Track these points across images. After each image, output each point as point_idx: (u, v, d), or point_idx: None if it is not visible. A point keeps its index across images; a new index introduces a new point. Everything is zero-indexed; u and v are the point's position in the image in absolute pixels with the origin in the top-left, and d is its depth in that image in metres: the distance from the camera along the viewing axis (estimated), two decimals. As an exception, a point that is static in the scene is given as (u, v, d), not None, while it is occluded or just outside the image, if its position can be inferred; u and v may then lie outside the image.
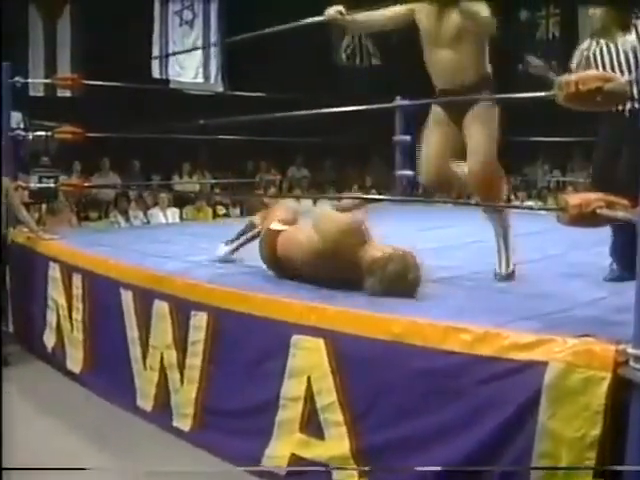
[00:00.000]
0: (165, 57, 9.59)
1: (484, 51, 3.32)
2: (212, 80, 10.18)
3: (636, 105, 3.24)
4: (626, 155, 3.26)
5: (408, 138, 6.55)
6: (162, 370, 3.40)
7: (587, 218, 2.24)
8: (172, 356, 3.33)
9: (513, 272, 3.41)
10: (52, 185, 6.62)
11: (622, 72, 3.25)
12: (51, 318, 4.41)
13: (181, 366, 3.28)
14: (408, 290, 2.98)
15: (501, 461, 2.13)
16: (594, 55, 3.38)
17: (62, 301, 4.25)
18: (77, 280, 4.11)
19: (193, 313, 3.23)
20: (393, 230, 3.89)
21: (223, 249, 3.90)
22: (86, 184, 6.13)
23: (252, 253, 3.74)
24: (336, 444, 2.59)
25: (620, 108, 3.24)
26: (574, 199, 2.28)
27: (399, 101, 6.15)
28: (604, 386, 1.95)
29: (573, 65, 3.47)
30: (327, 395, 2.62)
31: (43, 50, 9.21)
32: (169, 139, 7.18)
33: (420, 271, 3.03)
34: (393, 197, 7.17)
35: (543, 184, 10.67)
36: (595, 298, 2.94)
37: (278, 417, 2.81)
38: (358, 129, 8.02)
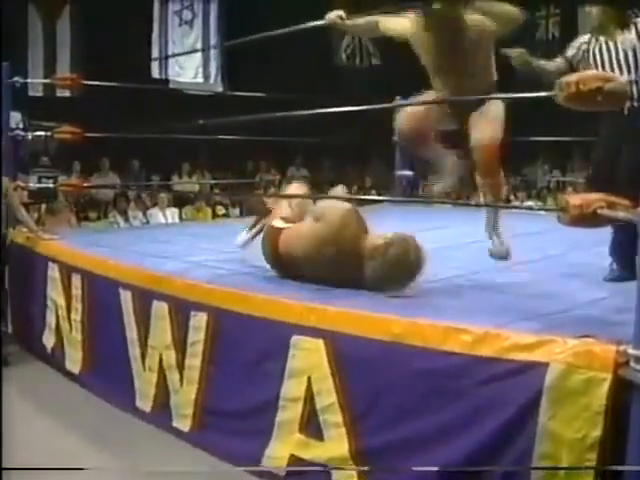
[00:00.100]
0: (165, 59, 9.59)
1: (492, 58, 3.28)
2: (212, 80, 10.18)
3: (635, 104, 3.24)
4: (625, 154, 3.26)
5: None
6: (161, 371, 3.39)
7: (588, 218, 2.24)
8: (171, 357, 3.33)
9: (508, 249, 3.41)
10: (51, 185, 6.59)
11: (621, 71, 3.25)
12: (50, 318, 4.40)
13: (180, 367, 3.28)
14: (410, 273, 3.00)
15: (501, 462, 2.12)
16: (593, 53, 3.37)
17: (61, 301, 4.25)
18: (76, 280, 4.11)
19: (193, 313, 3.22)
20: (392, 230, 3.87)
21: (244, 236, 3.94)
22: (85, 184, 6.12)
23: (252, 253, 3.73)
24: (335, 445, 2.59)
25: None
26: (575, 199, 2.28)
27: (399, 101, 6.14)
28: (605, 387, 1.95)
29: (568, 55, 3.47)
30: (327, 396, 2.62)
31: (42, 50, 9.21)
32: (169, 139, 7.18)
33: (422, 254, 3.05)
34: (393, 197, 7.17)
35: (543, 184, 10.67)
36: (595, 298, 2.94)
37: (278, 418, 2.80)
38: (358, 129, 8.02)
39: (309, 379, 2.68)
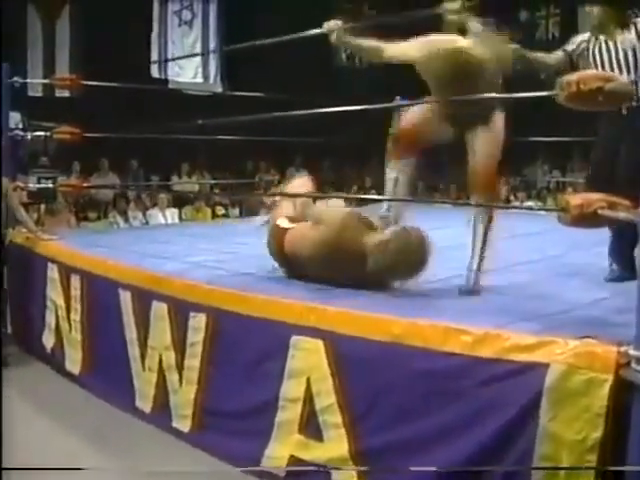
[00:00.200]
0: (165, 61, 9.59)
1: (499, 83, 3.19)
2: (211, 80, 10.19)
3: (634, 104, 3.24)
4: (625, 154, 3.26)
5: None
6: (161, 371, 3.39)
7: (588, 219, 2.23)
8: (171, 357, 3.32)
9: (478, 287, 3.10)
10: (51, 185, 6.58)
11: (621, 71, 3.25)
12: (50, 319, 4.40)
13: (180, 367, 3.28)
14: (414, 264, 3.01)
15: (502, 463, 2.12)
16: (593, 53, 3.37)
17: (61, 302, 4.24)
18: (76, 281, 4.10)
19: (192, 314, 3.22)
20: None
21: (262, 219, 4.03)
22: (85, 184, 6.10)
23: (252, 253, 3.73)
24: (335, 446, 2.58)
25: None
26: (575, 199, 2.27)
27: (399, 101, 6.14)
28: (606, 388, 1.94)
29: (568, 49, 3.46)
30: (326, 396, 2.61)
31: (42, 50, 9.21)
32: (168, 139, 7.16)
33: (426, 245, 3.05)
34: (392, 198, 7.15)
35: (543, 184, 10.67)
36: (596, 299, 2.93)
37: (277, 418, 2.80)
38: (358, 130, 8.01)
39: (309, 379, 2.68)
